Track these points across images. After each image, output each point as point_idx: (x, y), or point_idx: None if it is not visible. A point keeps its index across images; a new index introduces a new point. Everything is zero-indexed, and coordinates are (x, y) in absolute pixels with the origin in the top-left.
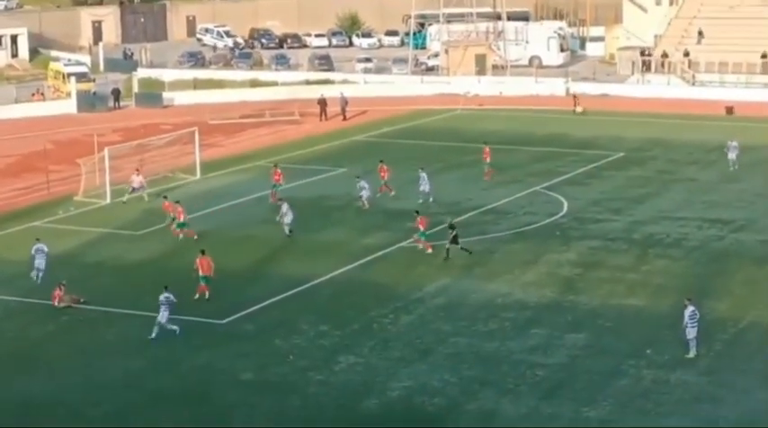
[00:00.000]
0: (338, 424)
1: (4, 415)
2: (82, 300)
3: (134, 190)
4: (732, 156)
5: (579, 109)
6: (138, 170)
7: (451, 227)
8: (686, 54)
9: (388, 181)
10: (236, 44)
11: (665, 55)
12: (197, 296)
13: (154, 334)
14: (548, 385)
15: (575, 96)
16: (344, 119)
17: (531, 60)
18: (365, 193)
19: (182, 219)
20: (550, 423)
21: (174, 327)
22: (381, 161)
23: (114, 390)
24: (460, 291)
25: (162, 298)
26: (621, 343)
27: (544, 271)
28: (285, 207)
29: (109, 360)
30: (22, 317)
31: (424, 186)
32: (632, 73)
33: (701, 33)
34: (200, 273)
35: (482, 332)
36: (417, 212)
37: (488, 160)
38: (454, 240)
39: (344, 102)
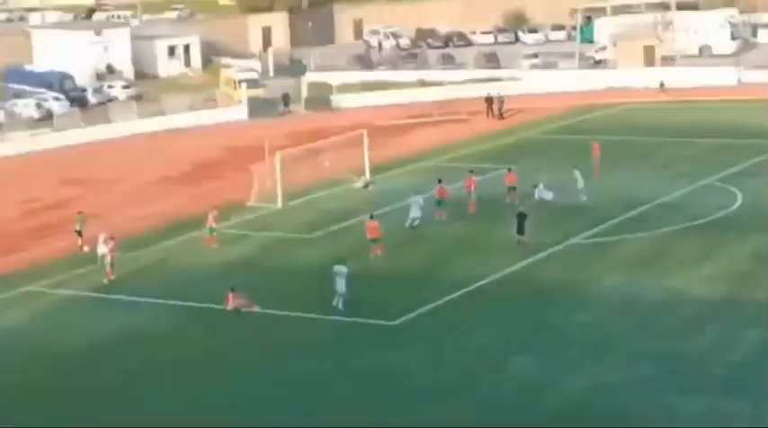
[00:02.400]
0: (516, 425)
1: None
2: (253, 308)
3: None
4: None
5: (663, 96)
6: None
7: (520, 215)
8: None
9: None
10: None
11: None
12: (371, 256)
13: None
14: (727, 382)
15: (662, 84)
16: (501, 118)
17: (701, 50)
18: (415, 213)
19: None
20: (732, 422)
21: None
22: (471, 171)
23: (296, 391)
24: (634, 288)
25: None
26: None
27: (719, 265)
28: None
29: (291, 362)
30: (207, 322)
31: (579, 183)
32: None
33: None
34: (369, 237)
35: (657, 329)
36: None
37: (597, 156)
38: (520, 230)
39: (501, 101)
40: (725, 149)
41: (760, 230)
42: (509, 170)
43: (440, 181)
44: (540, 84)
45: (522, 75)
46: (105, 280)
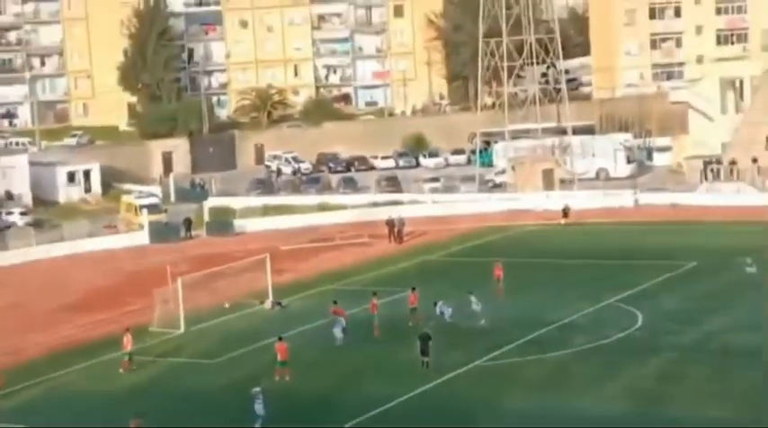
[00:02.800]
0: None
1: None
2: None
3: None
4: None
5: (563, 221)
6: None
7: (422, 337)
8: (755, 160)
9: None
10: (299, 170)
11: (733, 162)
12: (277, 378)
13: None
14: None
15: (564, 210)
16: (401, 241)
17: (598, 173)
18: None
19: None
20: None
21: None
22: (374, 294)
23: None
24: (538, 409)
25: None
26: None
27: (621, 385)
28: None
29: None
30: None
31: (476, 307)
32: (701, 181)
33: None
34: (279, 359)
35: None
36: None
37: (500, 276)
38: (423, 351)
39: (402, 223)
40: (624, 271)
41: (659, 351)
42: (413, 290)
43: (334, 302)
44: (440, 207)
45: (423, 198)
46: None
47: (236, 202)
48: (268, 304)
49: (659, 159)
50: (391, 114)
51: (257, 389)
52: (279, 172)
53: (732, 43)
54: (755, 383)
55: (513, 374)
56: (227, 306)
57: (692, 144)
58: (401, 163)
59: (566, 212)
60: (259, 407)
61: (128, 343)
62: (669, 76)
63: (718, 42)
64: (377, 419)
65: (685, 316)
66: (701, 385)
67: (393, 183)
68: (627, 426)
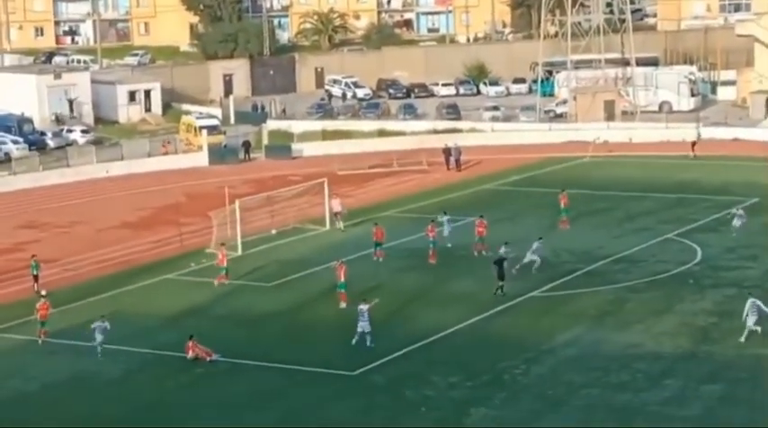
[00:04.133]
0: None
1: None
2: (212, 357)
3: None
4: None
5: (692, 154)
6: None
7: (498, 261)
8: None
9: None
10: (354, 95)
11: None
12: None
13: None
14: None
15: (693, 142)
16: (459, 169)
17: (660, 106)
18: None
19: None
20: None
21: None
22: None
23: None
24: (592, 342)
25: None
26: (758, 393)
27: (678, 320)
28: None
29: (241, 412)
30: (158, 370)
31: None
32: (765, 117)
33: None
34: (340, 281)
35: (615, 383)
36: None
37: (564, 206)
38: (501, 275)
39: (458, 152)
40: (685, 205)
41: (718, 286)
42: (481, 217)
43: (376, 223)
44: (500, 136)
45: (483, 126)
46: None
47: (295, 126)
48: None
49: (723, 93)
50: (453, 41)
51: (363, 307)
52: (344, 96)
53: None
54: None
55: (568, 306)
56: (273, 232)
57: (757, 78)
58: (461, 90)
59: (694, 145)
60: (365, 324)
61: (223, 257)
62: (736, 9)
63: None
64: (429, 347)
65: (745, 252)
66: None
67: (453, 111)
68: (678, 361)
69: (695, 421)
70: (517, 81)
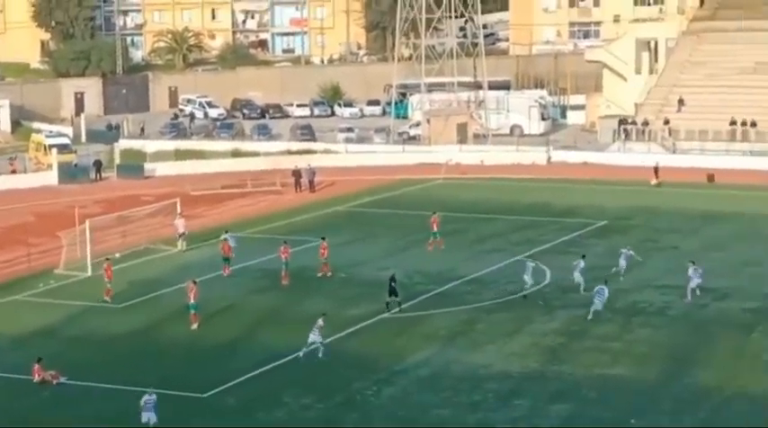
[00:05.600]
0: None
1: None
2: (59, 380)
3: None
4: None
5: (654, 181)
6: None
7: (390, 278)
8: (666, 122)
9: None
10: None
11: (645, 123)
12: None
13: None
14: None
15: (655, 168)
16: (312, 191)
17: (512, 129)
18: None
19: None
20: None
21: None
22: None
23: None
24: (444, 362)
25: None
26: (606, 413)
27: (527, 340)
28: None
29: None
30: (4, 393)
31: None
32: (613, 141)
33: (681, 101)
34: (189, 302)
35: (466, 403)
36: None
37: (436, 229)
38: (392, 292)
39: (312, 173)
40: (536, 226)
41: (567, 307)
42: (323, 240)
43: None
44: (354, 157)
45: (337, 148)
46: None
47: (147, 145)
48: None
49: (573, 117)
50: (308, 62)
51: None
52: (192, 116)
53: (649, 4)
54: (658, 342)
55: (420, 326)
56: (117, 256)
57: (605, 103)
58: (316, 112)
59: (657, 171)
60: (316, 338)
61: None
62: (586, 35)
63: (636, 3)
64: (282, 368)
65: (593, 273)
66: (603, 343)
67: (307, 132)
68: (527, 381)
69: None
70: (371, 103)
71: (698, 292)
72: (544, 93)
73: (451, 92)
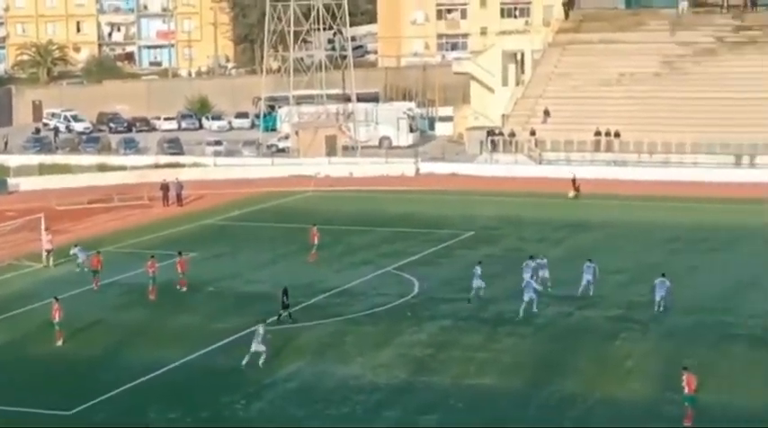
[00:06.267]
0: None
1: None
2: None
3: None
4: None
5: (571, 193)
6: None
7: (283, 291)
8: (533, 133)
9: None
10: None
11: (512, 134)
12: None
13: None
14: None
15: (573, 180)
16: (180, 204)
17: (381, 141)
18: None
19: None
20: None
21: None
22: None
23: None
24: (313, 375)
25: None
26: (475, 422)
27: (396, 352)
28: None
29: None
30: None
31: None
32: (481, 152)
33: (546, 112)
34: (54, 320)
35: (335, 416)
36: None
37: (316, 242)
38: (284, 304)
39: (180, 187)
40: (405, 238)
41: (435, 318)
42: (179, 254)
43: (98, 252)
44: (223, 171)
45: (206, 161)
46: None
47: (11, 160)
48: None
49: (441, 129)
50: (175, 75)
51: (260, 329)
52: (56, 131)
53: (515, 17)
54: (524, 351)
55: (289, 340)
56: None
57: (472, 115)
58: (184, 125)
59: (575, 184)
60: (259, 345)
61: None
62: (453, 47)
63: (502, 15)
64: (149, 383)
65: (461, 284)
66: (471, 353)
67: (175, 145)
68: (396, 393)
69: None
70: (240, 115)
71: (591, 289)
72: (412, 104)
73: (320, 104)
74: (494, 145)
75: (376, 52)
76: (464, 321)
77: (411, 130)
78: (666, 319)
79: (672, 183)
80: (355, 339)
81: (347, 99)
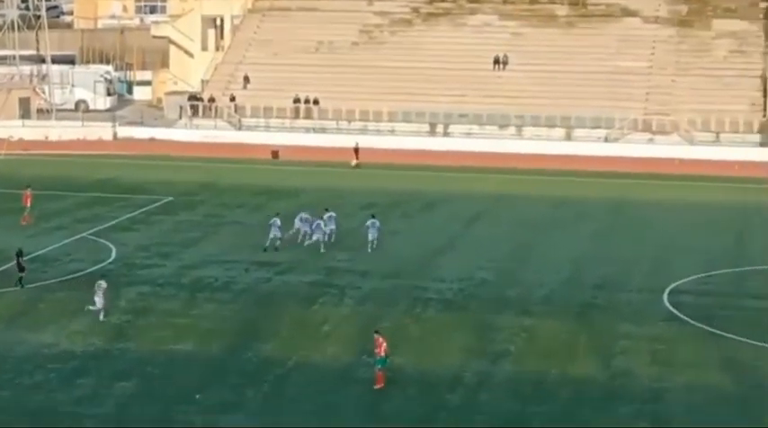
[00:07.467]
0: None
1: None
2: None
3: None
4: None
5: (354, 162)
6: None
7: (18, 254)
8: (232, 98)
9: None
10: None
11: (212, 99)
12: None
13: None
14: None
15: (356, 149)
16: None
17: (77, 104)
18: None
19: None
20: None
21: None
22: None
23: None
24: (5, 343)
25: None
26: (171, 388)
27: (92, 319)
28: None
29: None
30: None
31: None
32: (180, 117)
33: (246, 78)
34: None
35: (28, 384)
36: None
37: (29, 205)
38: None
39: None
40: (102, 203)
41: (133, 283)
42: None
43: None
44: None
45: None
46: None
47: None
48: None
49: (140, 93)
50: None
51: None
52: None
53: None
54: (223, 317)
55: None
56: None
57: (172, 79)
58: None
59: (357, 152)
60: (99, 300)
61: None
62: (152, 10)
63: None
64: None
65: (159, 249)
66: (169, 319)
67: None
68: (92, 360)
69: (108, 418)
70: None
71: (374, 245)
72: (110, 68)
73: (13, 65)
74: (194, 110)
75: (72, 13)
76: (162, 287)
77: (109, 94)
78: (365, 284)
79: (371, 151)
80: (49, 306)
81: (42, 60)
